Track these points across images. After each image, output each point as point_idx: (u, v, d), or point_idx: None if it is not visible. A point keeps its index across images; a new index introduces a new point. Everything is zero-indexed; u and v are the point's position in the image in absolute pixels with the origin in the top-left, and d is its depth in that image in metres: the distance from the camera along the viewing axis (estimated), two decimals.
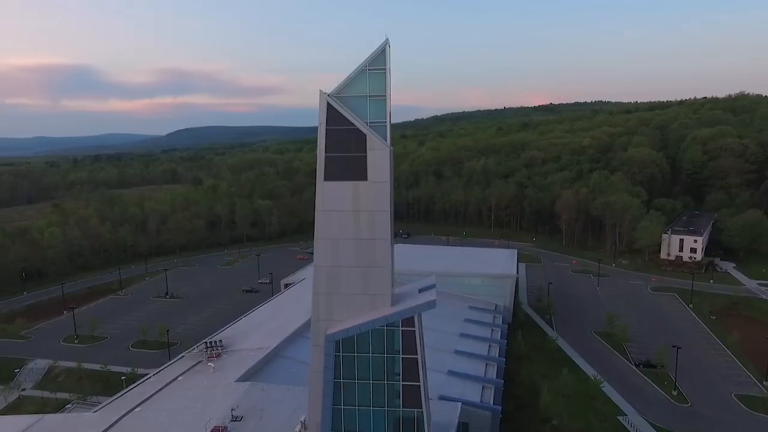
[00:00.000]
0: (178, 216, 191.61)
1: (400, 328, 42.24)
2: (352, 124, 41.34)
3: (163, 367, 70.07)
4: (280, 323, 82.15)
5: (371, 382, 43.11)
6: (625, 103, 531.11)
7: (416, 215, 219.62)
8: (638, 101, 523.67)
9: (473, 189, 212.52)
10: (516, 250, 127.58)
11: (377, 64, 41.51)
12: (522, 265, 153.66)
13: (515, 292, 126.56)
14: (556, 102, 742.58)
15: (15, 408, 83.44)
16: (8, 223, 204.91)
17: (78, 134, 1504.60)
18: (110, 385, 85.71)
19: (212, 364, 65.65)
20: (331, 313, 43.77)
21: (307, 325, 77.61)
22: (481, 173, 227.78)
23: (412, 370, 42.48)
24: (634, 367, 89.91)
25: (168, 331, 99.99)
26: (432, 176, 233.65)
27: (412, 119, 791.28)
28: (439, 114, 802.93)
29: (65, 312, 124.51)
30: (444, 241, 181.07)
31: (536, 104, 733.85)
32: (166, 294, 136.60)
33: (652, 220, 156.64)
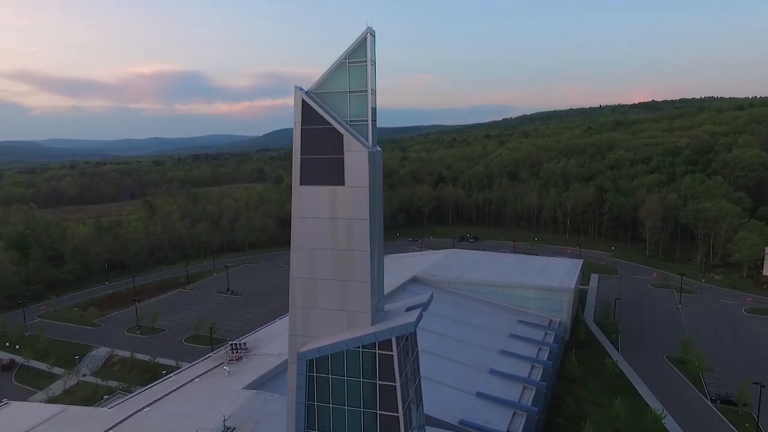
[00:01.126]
0: (250, 214, 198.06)
1: (377, 351, 37.79)
2: (328, 123, 37.55)
3: (185, 367, 70.58)
4: None
5: (346, 408, 39.09)
6: (740, 99, 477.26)
7: (486, 219, 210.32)
8: (756, 96, 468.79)
9: (549, 192, 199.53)
10: (580, 261, 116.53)
11: (358, 55, 37.37)
12: (594, 277, 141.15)
13: (580, 306, 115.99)
14: (659, 99, 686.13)
15: (70, 393, 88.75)
16: (106, 217, 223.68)
17: (186, 135, 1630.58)
18: (155, 377, 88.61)
19: (227, 368, 64.75)
20: (309, 329, 40.30)
21: None
22: (559, 175, 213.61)
23: (390, 399, 37.86)
24: (708, 402, 77.71)
25: (211, 328, 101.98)
26: (506, 178, 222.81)
27: (500, 119, 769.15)
28: (529, 113, 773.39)
29: (135, 303, 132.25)
30: (511, 247, 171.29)
31: (636, 101, 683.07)
32: (227, 290, 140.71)
33: (754, 230, 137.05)
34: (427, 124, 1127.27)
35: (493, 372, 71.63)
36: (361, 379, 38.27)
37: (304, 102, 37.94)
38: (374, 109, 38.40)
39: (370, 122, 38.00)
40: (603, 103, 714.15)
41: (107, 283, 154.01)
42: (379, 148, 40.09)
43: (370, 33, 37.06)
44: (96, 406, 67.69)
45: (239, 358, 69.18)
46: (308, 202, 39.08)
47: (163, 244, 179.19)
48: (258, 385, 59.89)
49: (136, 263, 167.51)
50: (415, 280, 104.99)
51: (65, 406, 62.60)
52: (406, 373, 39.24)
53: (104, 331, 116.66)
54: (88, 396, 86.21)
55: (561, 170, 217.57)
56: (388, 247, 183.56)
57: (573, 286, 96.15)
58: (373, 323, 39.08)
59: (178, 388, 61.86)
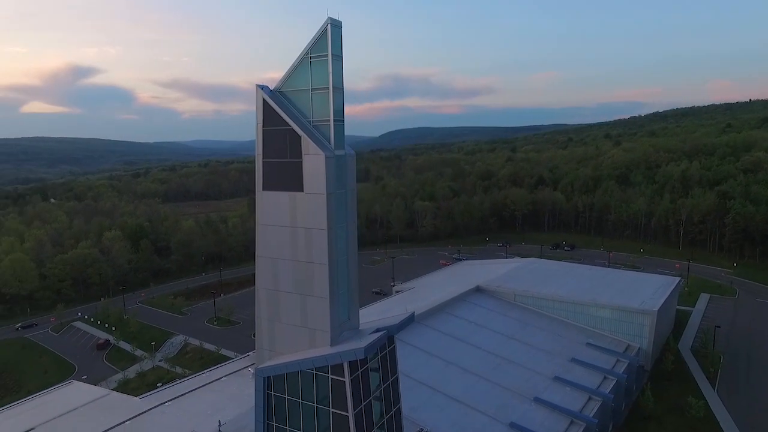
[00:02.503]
0: None
1: (329, 376, 34.21)
2: (287, 125, 34.74)
3: (222, 364, 72.13)
4: None
5: None
6: None
7: (586, 226, 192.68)
8: None
9: (663, 198, 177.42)
10: (677, 279, 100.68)
11: (318, 50, 34.10)
12: (704, 297, 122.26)
13: (676, 331, 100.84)
14: None
15: (142, 376, 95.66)
16: (215, 213, 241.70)
17: None
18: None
19: (252, 369, 64.67)
20: (273, 343, 37.91)
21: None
22: (678, 179, 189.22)
23: (342, 429, 34.12)
24: None
25: None
26: (613, 181, 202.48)
27: (627, 117, 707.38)
28: (661, 110, 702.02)
29: (222, 295, 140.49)
30: (610, 259, 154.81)
31: None
32: None
33: None
34: (546, 123, 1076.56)
35: (537, 401, 63.82)
36: (315, 405, 35.03)
37: (264, 102, 35.53)
38: (339, 109, 34.84)
39: (332, 122, 34.51)
40: (753, 98, 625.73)
41: (203, 274, 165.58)
42: (349, 151, 36.43)
43: (331, 24, 33.58)
44: (145, 394, 71.44)
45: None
46: (270, 209, 36.68)
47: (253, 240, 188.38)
48: None
49: (232, 257, 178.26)
50: (478, 290, 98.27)
51: (108, 392, 66.97)
52: (367, 404, 35.16)
53: (188, 320, 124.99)
54: (155, 381, 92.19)
55: (681, 174, 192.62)
56: (475, 252, 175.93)
57: (657, 307, 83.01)
58: (335, 343, 35.64)
59: (204, 385, 63.12)
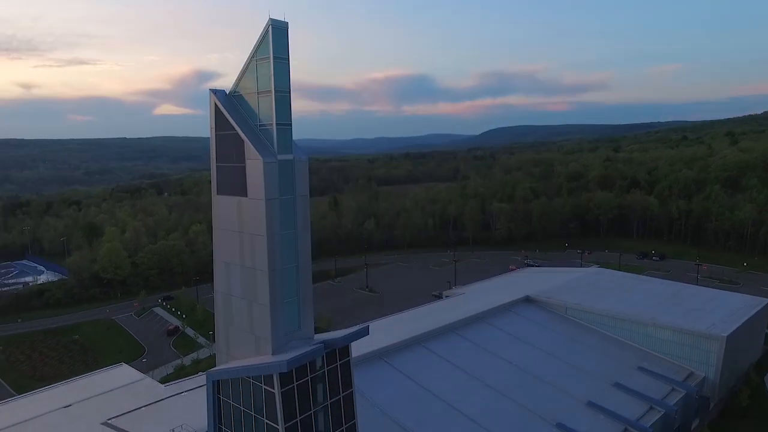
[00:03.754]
0: (415, 213, 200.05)
1: (262, 386, 33.40)
2: (233, 129, 34.43)
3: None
4: (378, 338, 76.60)
5: None
6: None
7: (682, 234, 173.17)
8: None
9: None
10: (765, 300, 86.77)
11: (263, 51, 33.39)
12: None
13: (762, 363, 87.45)
14: None
15: (195, 364, 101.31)
16: None
17: (408, 134, 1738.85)
18: None
19: None
20: (229, 347, 38.00)
21: (390, 350, 70.69)
22: None
23: None
24: None
25: (328, 323, 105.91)
26: (719, 185, 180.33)
27: (760, 112, 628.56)
28: None
29: None
30: (703, 272, 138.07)
31: None
32: (366, 287, 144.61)
33: None
34: (662, 120, 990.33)
35: (560, 427, 58.30)
36: (253, 413, 34.43)
37: (216, 106, 35.53)
38: (284, 113, 33.82)
39: (274, 126, 33.61)
40: None
41: None
42: (300, 156, 35.33)
43: (272, 26, 32.68)
44: (171, 382, 75.00)
45: None
46: (222, 213, 36.70)
47: (331, 237, 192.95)
48: None
49: None
50: (527, 300, 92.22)
51: (144, 377, 71.62)
52: (306, 418, 33.86)
53: None
54: (205, 368, 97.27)
55: None
56: (551, 259, 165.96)
57: (729, 332, 72.04)
58: (278, 352, 34.78)
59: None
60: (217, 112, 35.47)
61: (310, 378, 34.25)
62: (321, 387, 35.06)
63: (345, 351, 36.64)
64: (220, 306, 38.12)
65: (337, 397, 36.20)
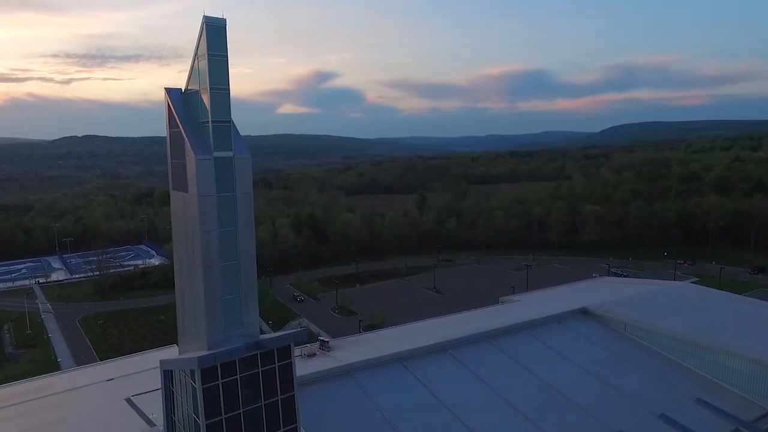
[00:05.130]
0: (498, 213, 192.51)
1: (190, 381, 33.67)
2: (178, 126, 35.10)
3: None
4: (406, 340, 74.55)
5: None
6: None
7: None
8: None
9: None
10: None
11: (201, 49, 33.62)
12: None
13: None
14: None
15: None
16: (390, 206, 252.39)
17: (521, 132, 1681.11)
18: None
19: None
20: (184, 338, 38.97)
21: (428, 351, 68.41)
22: None
23: None
24: None
25: (381, 320, 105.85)
26: None
27: None
28: None
29: (357, 285, 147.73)
30: None
31: None
32: (433, 287, 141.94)
33: None
34: None
35: None
36: (187, 406, 34.92)
37: (168, 104, 36.43)
38: (220, 110, 33.77)
39: (210, 123, 33.70)
40: None
41: (353, 264, 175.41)
42: (241, 154, 35.12)
43: (206, 23, 32.77)
44: None
45: (312, 355, 70.23)
46: (174, 209, 37.65)
47: (411, 235, 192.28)
48: None
49: (383, 250, 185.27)
50: (584, 313, 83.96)
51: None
52: (233, 417, 33.64)
53: (317, 305, 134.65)
54: None
55: None
56: (644, 268, 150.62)
57: None
58: (214, 348, 34.91)
59: None
60: (169, 110, 36.38)
61: (240, 377, 33.97)
62: (253, 387, 34.62)
63: (285, 353, 35.86)
64: (179, 300, 39.19)
65: (273, 399, 35.54)
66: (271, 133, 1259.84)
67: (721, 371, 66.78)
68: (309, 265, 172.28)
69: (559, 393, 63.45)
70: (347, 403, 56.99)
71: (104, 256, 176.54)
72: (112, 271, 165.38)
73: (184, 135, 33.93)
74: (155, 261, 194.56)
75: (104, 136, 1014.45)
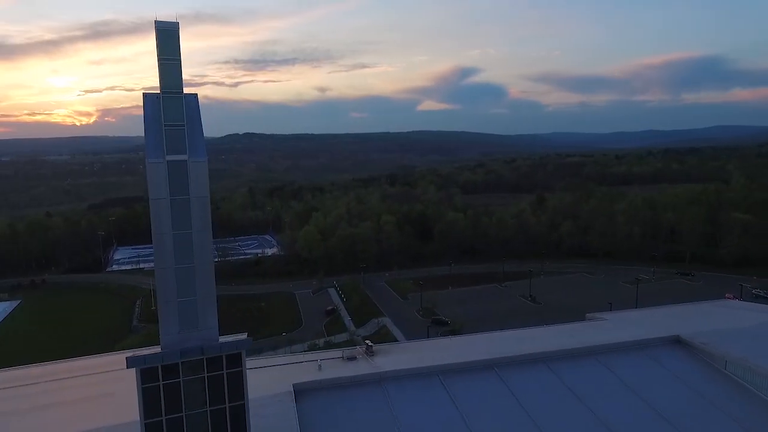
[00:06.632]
0: (618, 218, 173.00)
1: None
2: (143, 130, 36.05)
3: (321, 352, 75.85)
4: (453, 353, 69.88)
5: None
6: None
7: None
8: None
9: None
10: None
11: (157, 54, 34.02)
12: None
13: None
14: None
15: (331, 346, 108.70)
16: (497, 207, 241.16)
17: (686, 127, 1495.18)
18: None
19: (320, 364, 66.33)
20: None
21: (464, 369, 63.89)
22: None
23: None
24: None
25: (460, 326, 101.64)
26: None
27: None
28: None
29: (449, 288, 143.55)
30: None
31: None
32: (529, 296, 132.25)
33: None
34: None
35: None
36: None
37: (143, 108, 37.53)
38: (174, 114, 33.94)
39: (162, 127, 33.99)
40: None
41: (451, 264, 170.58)
42: (196, 158, 34.96)
43: (156, 28, 33.07)
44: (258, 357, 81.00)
45: (352, 358, 69.06)
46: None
47: (518, 237, 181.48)
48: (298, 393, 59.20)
49: (489, 252, 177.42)
50: (676, 342, 71.10)
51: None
52: (174, 420, 33.80)
53: (404, 305, 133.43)
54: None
55: None
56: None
57: None
58: (167, 348, 35.44)
59: (264, 367, 68.22)
60: (143, 114, 37.59)
61: (183, 380, 34.02)
62: (197, 392, 34.48)
63: (235, 360, 35.22)
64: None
65: (220, 406, 35.08)
66: (409, 130, 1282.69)
67: None
68: (409, 264, 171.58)
69: None
70: (365, 414, 54.72)
71: (226, 244, 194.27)
72: (229, 258, 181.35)
73: (145, 139, 34.69)
74: (274, 251, 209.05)
75: (261, 134, 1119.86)
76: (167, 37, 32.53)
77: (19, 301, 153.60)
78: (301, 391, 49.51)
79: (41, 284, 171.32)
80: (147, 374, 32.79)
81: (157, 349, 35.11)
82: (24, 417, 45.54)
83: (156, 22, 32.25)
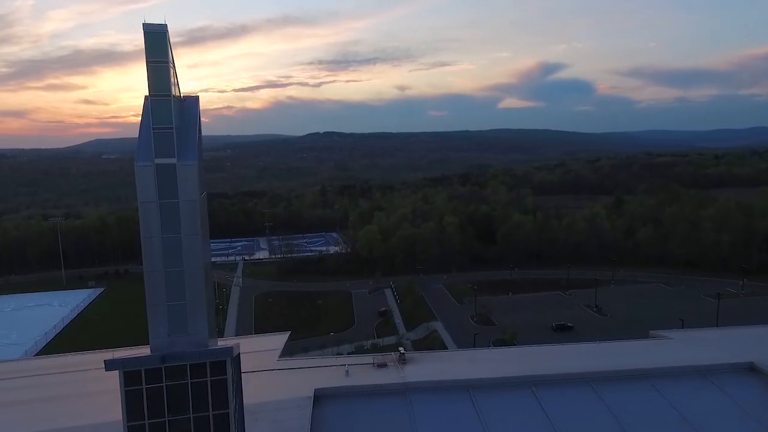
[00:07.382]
0: (704, 225, 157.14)
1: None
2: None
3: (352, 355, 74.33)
4: (487, 367, 65.85)
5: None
6: None
7: None
8: None
9: None
10: None
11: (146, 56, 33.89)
12: None
13: None
14: None
15: (373, 347, 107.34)
16: (571, 210, 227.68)
17: None
18: None
19: (348, 370, 64.89)
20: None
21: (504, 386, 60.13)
22: None
23: None
24: None
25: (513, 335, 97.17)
26: None
27: None
28: None
29: (510, 293, 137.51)
30: None
31: None
32: (595, 306, 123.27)
33: None
34: None
35: None
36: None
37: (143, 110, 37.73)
38: (161, 117, 33.54)
39: (151, 130, 33.76)
40: None
41: (515, 269, 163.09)
42: (186, 161, 34.44)
43: (144, 31, 32.79)
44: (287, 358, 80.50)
45: (383, 365, 66.99)
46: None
47: (590, 242, 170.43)
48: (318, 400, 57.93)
49: (555, 257, 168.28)
50: (751, 369, 62.53)
51: (281, 348, 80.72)
52: (157, 425, 33.57)
53: (459, 309, 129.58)
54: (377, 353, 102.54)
55: None
56: None
57: None
58: (156, 351, 35.39)
59: (293, 368, 67.57)
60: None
61: (167, 386, 33.75)
62: (180, 398, 34.09)
63: (220, 368, 34.32)
64: None
65: (204, 414, 34.51)
66: (489, 128, 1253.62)
67: None
68: (470, 267, 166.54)
69: None
70: (385, 424, 52.77)
71: (294, 241, 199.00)
72: (293, 254, 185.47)
73: (137, 142, 34.78)
74: (336, 248, 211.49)
75: (341, 132, 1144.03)
76: (155, 39, 32.09)
77: (103, 289, 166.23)
78: (322, 397, 48.29)
79: (124, 274, 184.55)
80: (130, 377, 32.66)
81: (146, 351, 35.00)
82: (72, 401, 47.66)
83: (144, 24, 31.88)
